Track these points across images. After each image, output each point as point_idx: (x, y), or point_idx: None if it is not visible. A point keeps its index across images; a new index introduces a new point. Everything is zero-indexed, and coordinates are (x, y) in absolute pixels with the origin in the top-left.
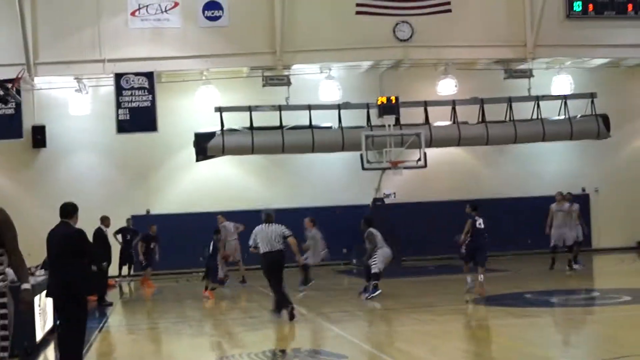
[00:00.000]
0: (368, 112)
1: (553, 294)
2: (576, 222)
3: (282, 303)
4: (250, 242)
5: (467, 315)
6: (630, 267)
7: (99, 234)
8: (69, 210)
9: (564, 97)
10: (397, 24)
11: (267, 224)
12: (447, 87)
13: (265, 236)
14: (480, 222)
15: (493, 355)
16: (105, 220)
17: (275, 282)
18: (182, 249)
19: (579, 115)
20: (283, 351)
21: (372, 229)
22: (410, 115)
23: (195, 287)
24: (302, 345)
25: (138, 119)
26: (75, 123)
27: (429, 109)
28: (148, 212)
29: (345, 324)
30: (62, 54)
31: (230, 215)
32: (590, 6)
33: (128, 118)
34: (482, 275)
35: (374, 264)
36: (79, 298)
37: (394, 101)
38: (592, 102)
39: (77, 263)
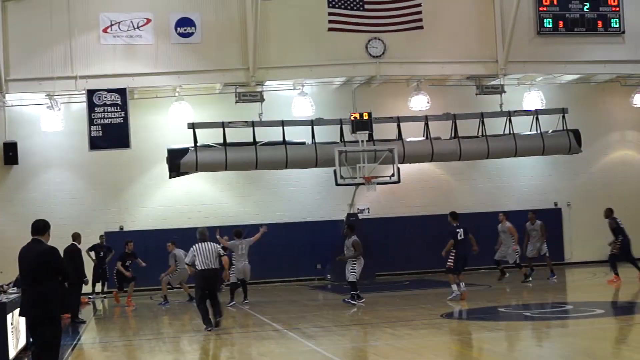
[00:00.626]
0: (341, 128)
1: (527, 307)
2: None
3: (218, 311)
4: (188, 260)
5: (442, 329)
6: (603, 281)
7: (74, 251)
8: (40, 227)
9: (536, 113)
10: (369, 41)
11: (203, 242)
12: (419, 103)
13: (203, 254)
14: (460, 233)
15: None
16: (78, 237)
17: (213, 295)
18: (156, 265)
19: (550, 131)
20: None
21: (356, 237)
22: (383, 131)
23: (170, 304)
24: None
25: (111, 135)
26: (48, 140)
27: (402, 124)
28: (121, 228)
29: (321, 339)
30: (34, 71)
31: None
32: (561, 23)
33: (101, 135)
34: (462, 283)
35: (352, 273)
36: (53, 316)
37: (367, 117)
38: (564, 117)
39: (51, 281)
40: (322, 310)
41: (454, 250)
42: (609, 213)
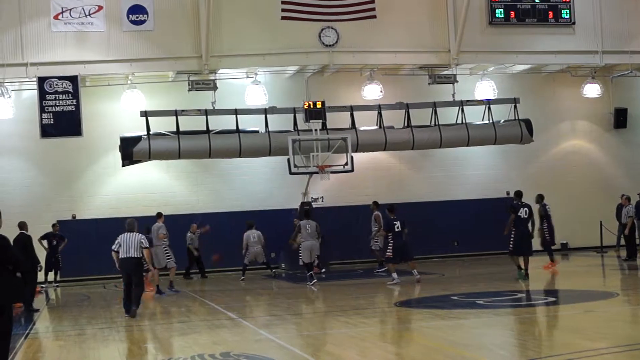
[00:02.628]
0: (295, 117)
1: (479, 295)
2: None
3: (138, 300)
4: (114, 247)
5: (395, 317)
6: (551, 269)
7: (25, 239)
8: None
9: (488, 102)
10: (322, 29)
11: (129, 233)
12: (372, 92)
13: (126, 243)
14: (397, 225)
15: (420, 357)
16: (25, 226)
17: (137, 283)
18: (109, 254)
19: (502, 120)
20: (212, 356)
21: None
22: (337, 120)
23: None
24: (231, 349)
25: (62, 123)
26: None
27: (355, 113)
28: (74, 217)
29: (274, 327)
30: None
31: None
32: (512, 13)
33: (52, 122)
34: (415, 270)
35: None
36: (3, 305)
37: (320, 106)
38: (515, 107)
39: (2, 270)
40: (276, 298)
41: (392, 242)
42: (539, 199)
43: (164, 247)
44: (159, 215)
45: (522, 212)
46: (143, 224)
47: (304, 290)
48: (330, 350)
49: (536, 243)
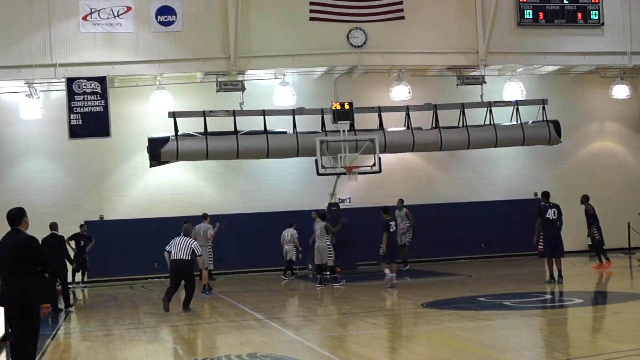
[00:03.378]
0: (322, 118)
1: (506, 297)
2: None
3: (189, 299)
4: (167, 248)
5: (423, 319)
6: (582, 270)
7: (58, 240)
8: (15, 216)
9: (516, 103)
10: (350, 30)
11: (183, 237)
12: (400, 93)
13: (177, 246)
14: (392, 226)
15: (447, 358)
16: (56, 227)
17: (188, 284)
18: (136, 255)
19: (530, 121)
20: (239, 356)
21: None
22: (365, 121)
23: (150, 293)
24: (258, 350)
25: (91, 124)
26: (27, 128)
27: (383, 114)
28: (101, 217)
29: (301, 328)
30: (13, 59)
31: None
32: (541, 14)
33: (80, 123)
34: (390, 271)
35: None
36: (32, 306)
37: (348, 107)
38: (544, 108)
39: (29, 271)
40: (303, 299)
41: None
42: (584, 200)
43: (209, 249)
44: (205, 216)
45: (550, 214)
46: (170, 226)
47: (330, 291)
48: (357, 351)
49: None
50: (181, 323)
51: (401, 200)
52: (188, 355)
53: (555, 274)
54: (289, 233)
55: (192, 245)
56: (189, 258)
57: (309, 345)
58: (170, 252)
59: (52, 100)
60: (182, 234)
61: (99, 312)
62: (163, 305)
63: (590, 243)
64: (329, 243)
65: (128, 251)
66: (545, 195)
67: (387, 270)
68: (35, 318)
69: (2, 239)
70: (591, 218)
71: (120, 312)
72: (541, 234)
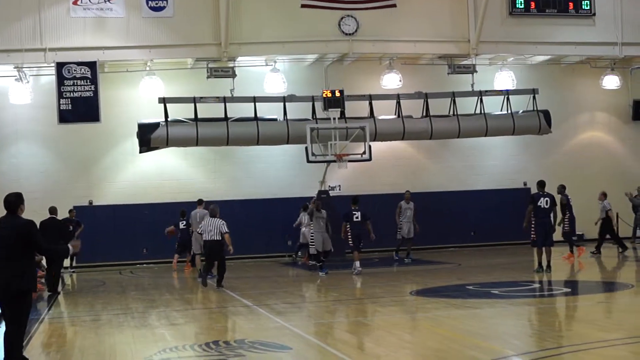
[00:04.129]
0: (313, 105)
1: (495, 285)
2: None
3: (222, 276)
4: (198, 229)
5: (410, 306)
6: (570, 260)
7: (57, 224)
8: (12, 202)
9: (507, 93)
10: (342, 18)
11: (212, 218)
12: (391, 81)
13: (208, 227)
14: (357, 216)
15: (435, 346)
16: (55, 211)
17: (220, 262)
18: (125, 241)
19: (521, 111)
20: (227, 343)
21: None
22: (355, 109)
23: (139, 279)
24: (246, 336)
25: (80, 109)
26: (16, 112)
27: (374, 102)
28: (91, 202)
29: (290, 315)
30: (2, 43)
31: (174, 207)
32: (532, 4)
33: (70, 108)
34: (358, 262)
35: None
36: (28, 290)
37: (339, 94)
38: (534, 97)
39: (27, 255)
40: (292, 286)
41: (350, 232)
42: (561, 189)
43: None
44: (200, 202)
45: (543, 202)
46: (160, 211)
47: (318, 278)
48: (345, 338)
49: (557, 233)
50: (169, 309)
51: (409, 192)
52: (176, 340)
53: (544, 263)
54: (306, 217)
55: (220, 225)
56: (220, 238)
57: (297, 332)
58: (201, 234)
59: (42, 85)
60: (210, 215)
61: (87, 297)
62: (202, 281)
63: (563, 232)
64: (311, 231)
65: (117, 237)
66: (541, 184)
67: (356, 263)
68: (28, 302)
69: None
70: (565, 208)
71: (109, 297)
72: (532, 222)
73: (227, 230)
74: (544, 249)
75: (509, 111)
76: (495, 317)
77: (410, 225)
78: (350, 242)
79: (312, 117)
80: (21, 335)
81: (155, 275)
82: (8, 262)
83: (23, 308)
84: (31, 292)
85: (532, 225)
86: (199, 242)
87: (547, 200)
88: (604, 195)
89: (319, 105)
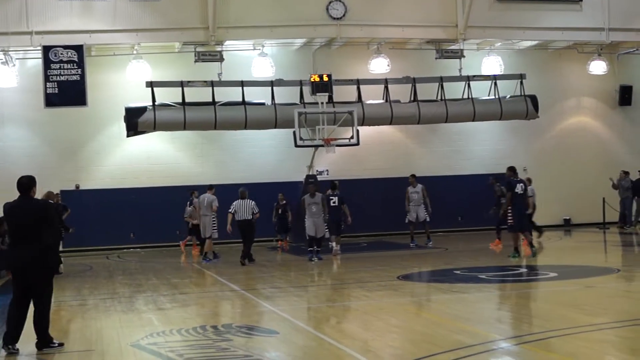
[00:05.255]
0: (301, 90)
1: (481, 270)
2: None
3: (248, 252)
4: (230, 210)
5: (398, 291)
6: (557, 244)
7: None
8: (24, 183)
9: (494, 78)
10: (330, 2)
11: (242, 200)
12: (379, 65)
13: (240, 208)
14: (334, 201)
15: (422, 330)
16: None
17: (249, 239)
18: (113, 225)
19: (508, 96)
20: (214, 327)
21: None
22: (343, 93)
23: (126, 263)
24: (233, 321)
25: (67, 92)
26: (2, 96)
27: (362, 87)
28: (77, 187)
29: (277, 300)
30: None
31: (162, 191)
32: None
33: (57, 92)
34: (336, 244)
35: None
36: (50, 271)
37: (326, 79)
38: (521, 83)
39: (46, 236)
40: (280, 271)
41: (328, 215)
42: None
43: (213, 218)
44: (210, 187)
45: (519, 188)
46: (149, 195)
47: (306, 263)
48: (333, 323)
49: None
50: (156, 293)
51: (413, 176)
52: (163, 325)
53: (521, 248)
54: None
55: (251, 206)
56: (251, 217)
57: (285, 316)
58: (233, 214)
59: (28, 69)
60: (239, 197)
61: (74, 282)
62: (241, 262)
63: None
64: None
65: (104, 221)
66: (513, 170)
67: (333, 244)
68: (50, 283)
69: (13, 205)
70: (498, 198)
71: (96, 282)
72: (510, 207)
73: (257, 210)
74: (520, 234)
75: (497, 96)
76: (482, 301)
77: (419, 209)
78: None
79: (300, 101)
80: (46, 315)
81: (142, 259)
82: (27, 243)
83: (45, 288)
84: (52, 272)
85: (510, 211)
86: (210, 226)
87: (521, 186)
88: (529, 181)
89: (306, 89)
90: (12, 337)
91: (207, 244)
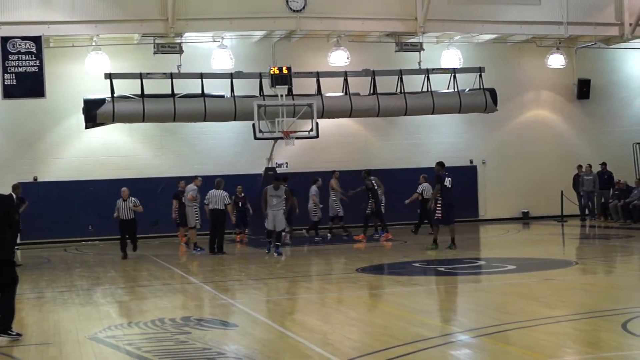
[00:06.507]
0: (261, 82)
1: (440, 263)
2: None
3: (221, 242)
4: (205, 201)
5: (357, 283)
6: (515, 237)
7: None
8: None
9: (453, 71)
10: None
11: (216, 190)
12: (339, 58)
13: (214, 198)
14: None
15: (380, 322)
16: (18, 189)
17: (220, 229)
18: (71, 217)
19: (467, 89)
20: (172, 320)
21: None
22: (303, 86)
23: (84, 256)
24: (192, 314)
25: (25, 84)
26: None
27: (322, 80)
28: (35, 179)
29: (237, 293)
30: None
31: (120, 183)
32: None
33: (14, 83)
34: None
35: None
36: (8, 261)
37: (286, 71)
38: (480, 76)
39: (4, 228)
40: (239, 263)
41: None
42: (365, 175)
43: (195, 209)
44: (195, 177)
45: (447, 182)
46: (106, 187)
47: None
48: (293, 316)
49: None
50: (114, 286)
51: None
52: (121, 318)
53: (449, 240)
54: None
55: (223, 196)
56: (223, 207)
57: (243, 309)
58: (208, 205)
59: None
60: (215, 187)
61: (32, 275)
62: (210, 250)
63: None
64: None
65: (62, 213)
66: (441, 164)
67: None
68: (14, 272)
69: None
70: (370, 192)
71: (54, 274)
72: (439, 200)
73: (229, 201)
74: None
75: (456, 89)
76: (440, 294)
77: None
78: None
79: (260, 94)
80: (12, 305)
81: (100, 252)
82: None
83: (10, 277)
84: (13, 262)
85: (439, 204)
86: (192, 216)
87: (450, 180)
88: (424, 179)
89: (266, 82)
90: None
91: (191, 233)
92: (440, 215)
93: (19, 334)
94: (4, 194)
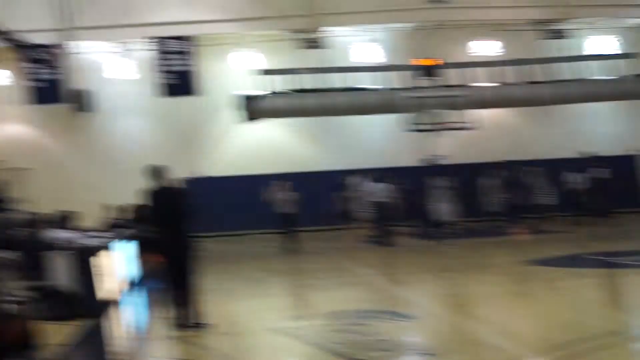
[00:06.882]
0: (411, 74)
1: (614, 255)
2: None
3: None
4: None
5: (529, 275)
6: None
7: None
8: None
9: (605, 57)
10: None
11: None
12: (488, 48)
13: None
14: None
15: (561, 315)
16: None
17: None
18: (232, 211)
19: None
20: (346, 312)
21: None
22: (455, 77)
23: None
24: (366, 306)
25: (179, 82)
26: (118, 87)
27: (473, 70)
28: (197, 174)
29: (408, 284)
30: (100, 19)
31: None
32: None
33: (170, 82)
34: None
35: None
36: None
37: (437, 62)
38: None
39: (180, 220)
40: (408, 255)
41: None
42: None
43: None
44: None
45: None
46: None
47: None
48: (467, 307)
49: None
50: (290, 278)
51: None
52: (298, 310)
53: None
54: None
55: (388, 189)
56: (389, 200)
57: (418, 301)
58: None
59: (141, 60)
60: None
61: (212, 267)
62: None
63: None
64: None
65: (226, 207)
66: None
67: None
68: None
69: (159, 192)
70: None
71: (229, 266)
72: None
73: (395, 194)
74: None
75: (611, 76)
76: (617, 287)
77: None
78: None
79: (412, 85)
80: (189, 298)
81: (268, 244)
82: (177, 227)
83: (185, 270)
84: (188, 255)
85: None
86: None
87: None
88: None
89: (405, 74)
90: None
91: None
92: None
93: (202, 324)
94: (176, 186)
